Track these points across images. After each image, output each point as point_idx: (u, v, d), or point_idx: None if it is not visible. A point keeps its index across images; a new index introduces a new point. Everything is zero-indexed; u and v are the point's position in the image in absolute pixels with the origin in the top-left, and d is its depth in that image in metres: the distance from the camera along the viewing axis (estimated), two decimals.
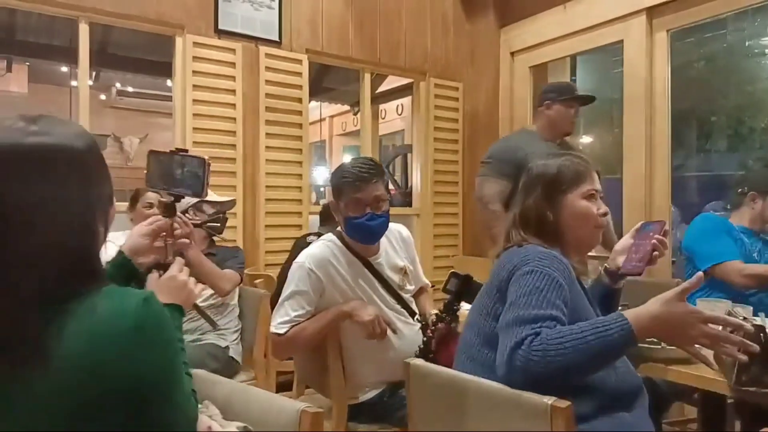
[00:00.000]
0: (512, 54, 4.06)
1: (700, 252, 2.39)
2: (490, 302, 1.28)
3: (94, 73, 7.64)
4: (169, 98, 3.80)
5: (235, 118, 3.38)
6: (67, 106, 7.36)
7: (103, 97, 10.21)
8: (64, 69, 8.42)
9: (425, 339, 1.76)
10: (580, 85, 4.57)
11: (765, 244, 2.45)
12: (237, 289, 2.62)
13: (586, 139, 5.92)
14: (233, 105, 3.38)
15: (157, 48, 4.92)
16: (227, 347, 2.47)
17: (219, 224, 2.62)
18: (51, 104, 8.29)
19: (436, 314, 1.81)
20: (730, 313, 1.39)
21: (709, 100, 3.97)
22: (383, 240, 1.95)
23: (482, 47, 4.22)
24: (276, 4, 3.52)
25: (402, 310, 1.95)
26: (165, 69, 4.82)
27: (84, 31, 3.11)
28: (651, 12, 3.20)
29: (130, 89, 10.20)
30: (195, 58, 3.26)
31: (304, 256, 1.86)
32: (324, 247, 1.88)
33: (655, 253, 1.40)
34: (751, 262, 2.34)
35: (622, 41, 3.36)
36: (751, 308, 1.67)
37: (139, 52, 5.85)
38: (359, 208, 1.79)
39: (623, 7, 3.30)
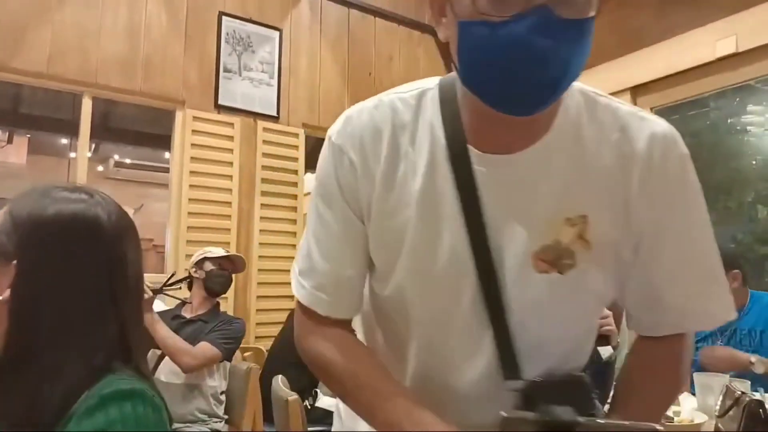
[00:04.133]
0: None
1: None
2: None
3: (93, 145, 7.79)
4: (166, 170, 3.86)
5: (231, 190, 3.42)
6: (65, 178, 7.45)
7: (100, 168, 10.35)
8: (64, 141, 8.58)
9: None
10: None
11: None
12: (221, 369, 2.37)
13: None
14: (230, 177, 3.43)
15: (156, 121, 5.06)
16: None
17: (180, 287, 2.45)
18: (49, 175, 8.39)
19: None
20: (728, 388, 1.36)
21: (696, 174, 4.06)
22: (565, 120, 0.73)
23: None
24: (275, 82, 3.65)
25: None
26: (163, 141, 4.93)
27: (87, 105, 3.20)
28: (635, 91, 3.34)
29: (127, 161, 10.36)
30: (194, 132, 3.33)
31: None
32: (393, 102, 0.78)
33: None
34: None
35: None
36: (749, 383, 1.64)
37: (138, 125, 6.01)
38: None
39: (609, 85, 3.44)
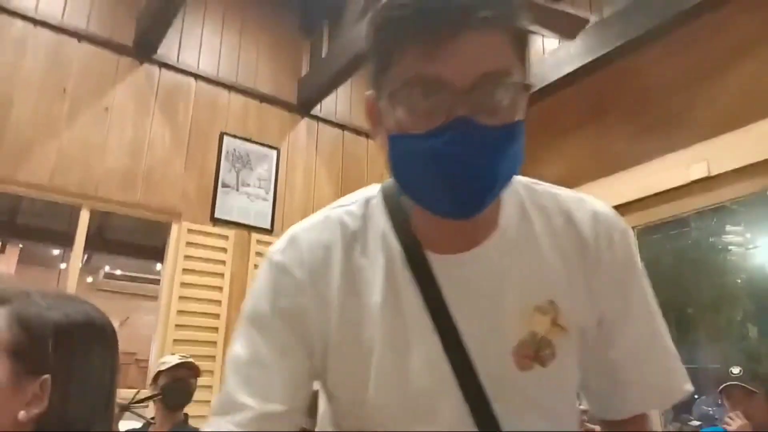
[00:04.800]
0: None
1: None
2: None
3: (85, 256, 7.79)
4: (156, 281, 3.85)
5: (220, 301, 3.40)
6: (54, 289, 7.35)
7: (90, 279, 10.27)
8: (55, 251, 8.59)
9: None
10: None
11: None
12: None
13: None
14: (220, 288, 3.43)
15: (149, 233, 5.13)
16: None
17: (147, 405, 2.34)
18: (38, 286, 8.29)
19: None
20: None
21: (683, 293, 4.11)
22: (510, 214, 0.74)
23: None
24: (270, 197, 3.77)
25: None
26: (155, 253, 4.96)
27: (84, 216, 3.26)
28: (617, 210, 3.46)
29: (118, 272, 10.32)
30: (188, 244, 3.38)
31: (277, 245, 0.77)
32: (341, 216, 0.77)
33: None
34: None
35: None
36: None
37: (131, 236, 6.06)
38: (425, 108, 0.61)
39: None
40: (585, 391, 0.80)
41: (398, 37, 0.60)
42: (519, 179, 0.75)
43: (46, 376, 0.72)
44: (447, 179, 0.60)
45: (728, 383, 2.54)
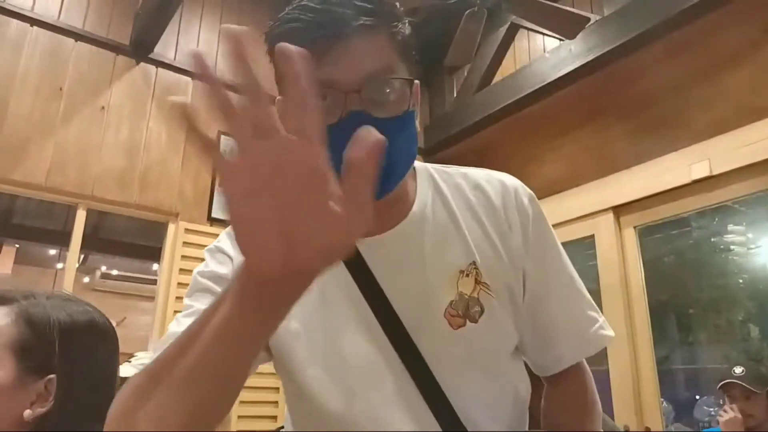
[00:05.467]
0: None
1: None
2: None
3: (82, 256, 7.76)
4: (152, 281, 3.82)
5: None
6: (50, 288, 7.32)
7: (86, 279, 10.22)
8: (52, 251, 8.55)
9: None
10: None
11: None
12: None
13: None
14: None
15: (146, 233, 5.10)
16: None
17: None
18: (34, 286, 8.24)
19: None
20: None
21: (684, 294, 4.10)
22: (424, 194, 0.82)
23: None
24: None
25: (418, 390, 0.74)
26: (152, 253, 4.93)
27: (81, 216, 3.23)
28: (617, 210, 3.45)
29: (114, 272, 10.28)
30: (185, 243, 3.35)
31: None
32: None
33: None
34: None
35: (593, 236, 3.55)
36: None
37: (128, 236, 6.04)
38: (323, 107, 0.57)
39: (591, 205, 3.56)
40: (524, 354, 0.85)
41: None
42: (432, 166, 0.85)
43: (52, 375, 0.72)
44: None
45: (726, 380, 2.53)
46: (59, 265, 7.27)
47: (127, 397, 0.53)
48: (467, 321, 0.74)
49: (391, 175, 0.69)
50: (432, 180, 0.82)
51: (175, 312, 3.20)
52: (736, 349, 3.69)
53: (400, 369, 0.71)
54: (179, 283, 3.27)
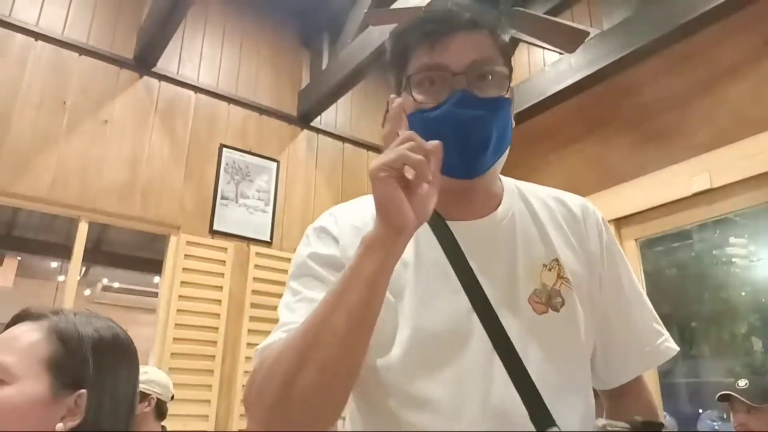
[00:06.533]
0: None
1: None
2: None
3: (83, 269, 7.76)
4: (153, 294, 3.82)
5: (218, 314, 3.37)
6: (52, 301, 7.31)
7: (87, 292, 10.21)
8: (54, 264, 8.55)
9: None
10: None
11: None
12: None
13: None
14: (219, 301, 3.39)
15: (147, 245, 5.11)
16: None
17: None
18: (36, 298, 8.25)
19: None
20: None
21: (686, 307, 4.08)
22: (510, 195, 0.89)
23: None
24: (270, 209, 3.75)
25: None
26: (153, 266, 4.94)
27: (83, 229, 3.24)
28: (618, 223, 3.44)
29: (115, 285, 10.26)
30: (187, 256, 3.35)
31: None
32: (363, 201, 0.91)
33: None
34: None
35: None
36: None
37: (129, 249, 6.04)
38: (433, 88, 0.79)
39: None
40: (591, 365, 0.85)
41: (410, 40, 0.82)
42: (512, 180, 0.92)
43: (83, 390, 0.74)
44: (456, 133, 0.75)
45: (724, 392, 2.50)
46: (61, 278, 7.26)
47: (290, 359, 0.66)
48: (550, 309, 0.78)
49: (488, 146, 0.77)
50: (516, 188, 0.90)
51: (177, 325, 3.20)
52: (739, 363, 3.66)
53: (484, 339, 0.74)
54: (180, 296, 3.27)
